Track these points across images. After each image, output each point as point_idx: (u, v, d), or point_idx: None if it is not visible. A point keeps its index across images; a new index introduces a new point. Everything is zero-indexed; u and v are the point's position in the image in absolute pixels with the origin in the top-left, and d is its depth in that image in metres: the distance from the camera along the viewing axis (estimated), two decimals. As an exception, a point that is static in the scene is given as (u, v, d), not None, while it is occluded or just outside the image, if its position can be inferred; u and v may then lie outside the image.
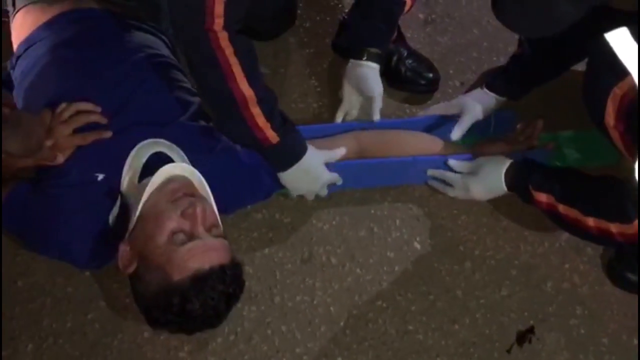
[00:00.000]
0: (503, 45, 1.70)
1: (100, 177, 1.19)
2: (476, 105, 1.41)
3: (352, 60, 1.43)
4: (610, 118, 1.11)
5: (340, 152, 1.34)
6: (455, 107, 1.43)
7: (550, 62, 1.39)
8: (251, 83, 1.18)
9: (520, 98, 1.45)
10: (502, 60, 1.64)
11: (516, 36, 1.71)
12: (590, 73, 1.18)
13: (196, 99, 1.33)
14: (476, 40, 1.72)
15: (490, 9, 1.77)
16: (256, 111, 1.20)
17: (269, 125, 1.21)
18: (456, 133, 1.39)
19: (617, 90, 1.08)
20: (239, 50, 1.15)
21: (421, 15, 1.78)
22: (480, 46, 1.71)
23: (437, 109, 1.48)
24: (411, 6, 1.44)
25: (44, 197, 1.19)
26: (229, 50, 1.14)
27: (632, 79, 1.06)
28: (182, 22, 1.16)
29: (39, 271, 1.29)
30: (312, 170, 1.29)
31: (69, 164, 1.19)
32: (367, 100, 1.42)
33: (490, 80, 1.44)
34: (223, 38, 1.13)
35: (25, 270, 1.29)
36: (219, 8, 1.09)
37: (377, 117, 1.41)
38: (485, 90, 1.42)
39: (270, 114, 1.22)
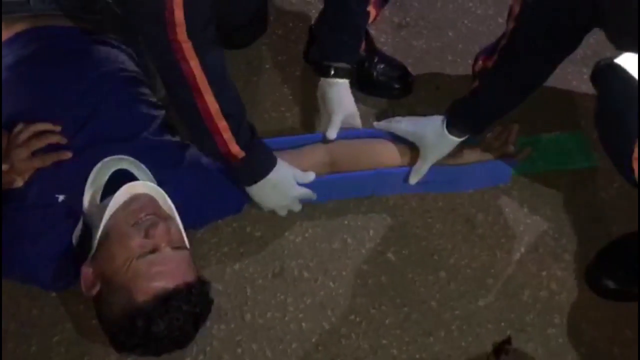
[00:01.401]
0: (479, 47, 1.68)
1: (61, 198, 1.16)
2: (435, 148, 1.31)
3: (321, 78, 1.38)
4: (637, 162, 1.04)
5: (310, 176, 1.28)
6: (412, 138, 1.34)
7: (512, 93, 1.23)
8: (217, 96, 1.13)
9: (481, 133, 1.35)
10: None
11: (492, 38, 1.71)
12: (608, 108, 1.10)
13: (161, 113, 1.30)
14: (451, 42, 1.70)
15: (465, 11, 1.78)
16: (222, 125, 1.16)
17: (234, 140, 1.17)
18: (412, 179, 1.35)
19: None
20: (205, 62, 1.10)
21: (395, 19, 1.75)
22: (455, 49, 1.68)
23: (394, 128, 1.37)
24: (376, 16, 1.40)
25: (4, 221, 1.15)
26: (194, 62, 1.09)
27: None
28: (146, 35, 1.11)
29: (3, 293, 1.26)
30: (280, 186, 1.26)
31: (28, 186, 1.16)
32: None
33: (450, 118, 1.28)
34: (188, 49, 1.07)
35: (-11, 293, 1.26)
36: (179, 15, 1.04)
37: (330, 136, 1.35)
38: (446, 131, 1.28)
39: (237, 128, 1.18)
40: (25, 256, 1.15)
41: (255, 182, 1.23)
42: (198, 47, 1.08)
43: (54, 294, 1.26)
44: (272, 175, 1.23)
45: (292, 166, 1.27)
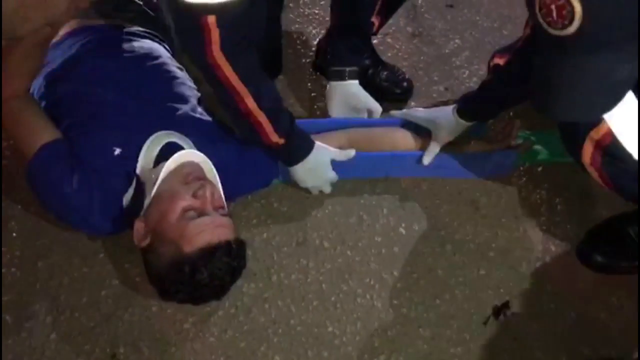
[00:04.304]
0: (484, 54, 1.84)
1: (117, 151, 1.32)
2: (446, 131, 1.48)
3: (332, 83, 1.56)
4: (587, 158, 1.19)
5: (350, 153, 1.45)
6: (426, 123, 1.51)
7: (519, 89, 1.33)
8: (254, 94, 1.27)
9: (488, 120, 1.54)
10: (482, 67, 1.80)
11: (496, 47, 1.88)
12: None
13: (198, 95, 1.48)
14: (458, 50, 1.87)
15: (472, 23, 1.96)
16: (262, 119, 1.31)
17: (274, 130, 1.33)
18: (426, 159, 1.50)
19: (593, 135, 1.16)
20: (239, 67, 1.22)
21: (409, 29, 1.93)
22: (461, 55, 1.86)
23: (410, 115, 1.55)
24: (379, 25, 1.61)
25: (73, 157, 1.32)
26: (227, 70, 1.21)
27: (606, 124, 1.12)
28: (188, 49, 1.25)
29: (57, 253, 1.41)
30: (317, 168, 1.43)
31: (87, 140, 1.33)
32: (359, 113, 1.58)
33: (461, 106, 1.46)
34: (222, 60, 1.19)
35: (45, 253, 1.41)
36: (215, 35, 1.14)
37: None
38: (456, 116, 1.45)
39: (276, 120, 1.33)
40: (85, 198, 1.30)
41: (294, 163, 1.41)
42: (231, 56, 1.20)
43: (102, 255, 1.41)
44: (310, 158, 1.40)
45: (332, 147, 1.44)
